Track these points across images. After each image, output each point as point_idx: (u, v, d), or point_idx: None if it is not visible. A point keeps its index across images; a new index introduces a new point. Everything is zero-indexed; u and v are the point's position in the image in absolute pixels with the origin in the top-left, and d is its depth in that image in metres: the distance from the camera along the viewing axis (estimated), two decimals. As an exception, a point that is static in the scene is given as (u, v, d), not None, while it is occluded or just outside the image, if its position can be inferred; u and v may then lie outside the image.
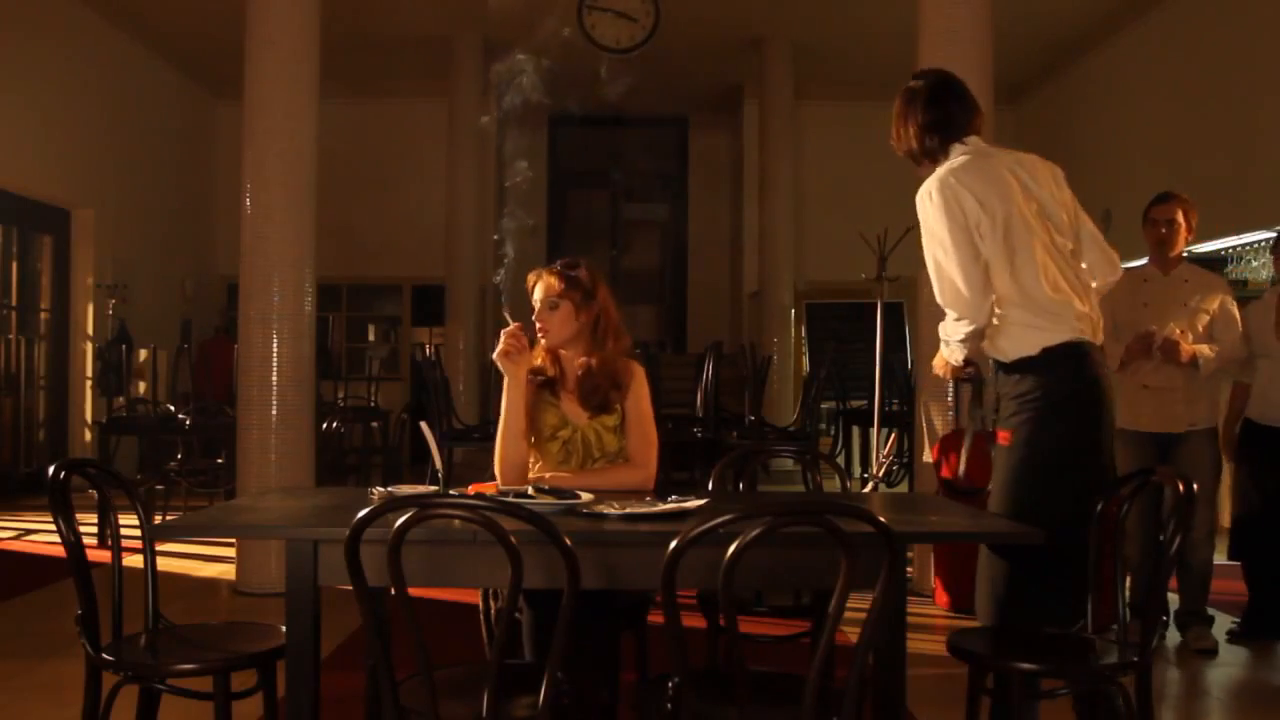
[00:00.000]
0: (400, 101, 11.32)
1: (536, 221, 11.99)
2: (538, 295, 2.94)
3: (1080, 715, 2.58)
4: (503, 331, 2.85)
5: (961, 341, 2.76)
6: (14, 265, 8.80)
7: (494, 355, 2.89)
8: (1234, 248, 7.81)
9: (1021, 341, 2.69)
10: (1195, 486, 2.35)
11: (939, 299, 2.76)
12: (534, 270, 2.99)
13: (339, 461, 7.47)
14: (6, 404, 8.73)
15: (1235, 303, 4.38)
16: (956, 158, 2.76)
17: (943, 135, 2.78)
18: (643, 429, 2.94)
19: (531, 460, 2.97)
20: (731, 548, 1.79)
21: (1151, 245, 4.39)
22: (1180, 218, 4.30)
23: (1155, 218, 4.33)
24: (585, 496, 2.43)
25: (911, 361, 7.99)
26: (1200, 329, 4.25)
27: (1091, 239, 2.84)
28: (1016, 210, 2.68)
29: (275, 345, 5.19)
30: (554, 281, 2.92)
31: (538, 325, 2.93)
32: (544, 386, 2.96)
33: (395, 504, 1.92)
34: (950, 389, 5.16)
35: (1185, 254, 4.51)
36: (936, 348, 2.86)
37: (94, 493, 2.67)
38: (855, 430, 9.24)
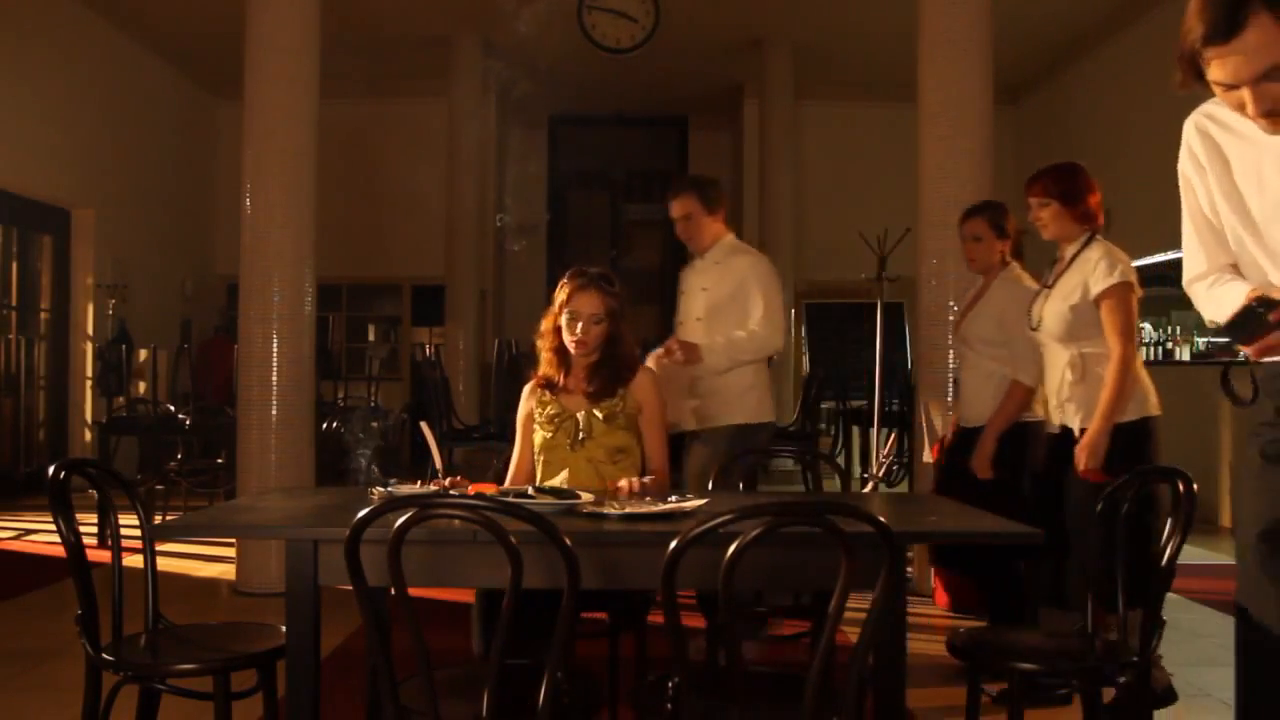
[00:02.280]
0: (400, 101, 11.32)
1: (539, 221, 12.00)
2: (580, 308, 2.99)
3: (1087, 715, 2.58)
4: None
5: None
6: (14, 265, 8.80)
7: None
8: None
9: None
10: (1195, 486, 2.34)
11: None
12: (569, 279, 3.05)
13: (339, 461, 7.47)
14: (6, 404, 8.73)
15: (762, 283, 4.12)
16: None
17: None
18: (658, 442, 3.09)
19: (534, 450, 3.06)
20: (731, 548, 1.79)
21: None
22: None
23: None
24: (585, 496, 2.44)
25: (911, 361, 7.98)
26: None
27: None
28: None
29: (275, 345, 5.19)
30: (600, 299, 2.99)
31: (574, 337, 2.99)
32: (543, 388, 3.06)
33: (395, 504, 1.93)
34: (951, 388, 5.14)
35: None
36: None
37: (94, 493, 2.67)
38: (855, 430, 9.24)
